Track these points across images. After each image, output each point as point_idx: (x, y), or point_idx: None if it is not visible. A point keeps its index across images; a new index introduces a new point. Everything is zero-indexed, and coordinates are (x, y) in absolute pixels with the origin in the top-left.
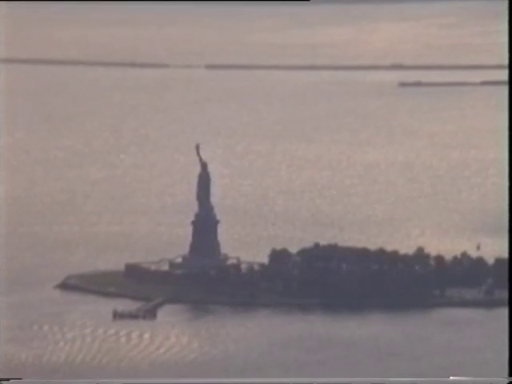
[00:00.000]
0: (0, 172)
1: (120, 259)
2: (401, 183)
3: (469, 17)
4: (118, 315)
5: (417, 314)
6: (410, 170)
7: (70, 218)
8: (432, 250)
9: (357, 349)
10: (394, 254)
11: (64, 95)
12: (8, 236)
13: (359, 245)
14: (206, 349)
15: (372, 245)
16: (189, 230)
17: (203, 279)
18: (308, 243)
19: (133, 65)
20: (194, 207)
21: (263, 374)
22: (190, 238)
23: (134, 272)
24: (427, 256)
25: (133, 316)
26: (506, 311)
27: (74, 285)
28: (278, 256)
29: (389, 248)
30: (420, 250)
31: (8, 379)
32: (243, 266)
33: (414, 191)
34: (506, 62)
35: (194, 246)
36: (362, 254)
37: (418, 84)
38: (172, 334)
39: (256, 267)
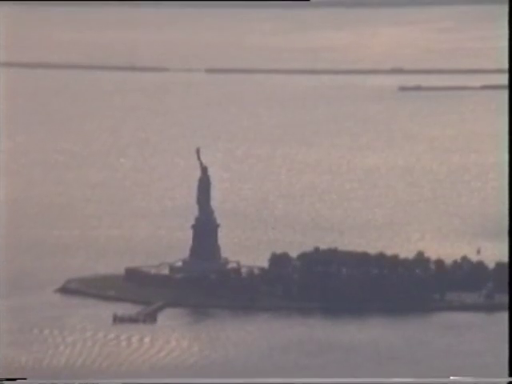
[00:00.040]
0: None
1: (120, 263)
2: (401, 187)
3: (468, 21)
4: (118, 319)
5: (417, 318)
6: (410, 175)
7: (70, 221)
8: (432, 254)
9: (357, 353)
10: (394, 258)
11: (63, 98)
12: (8, 239)
13: (359, 249)
14: (206, 352)
15: (372, 249)
16: (189, 234)
17: (203, 283)
18: (308, 247)
19: (132, 68)
20: (194, 211)
21: (263, 378)
22: (190, 242)
23: (134, 276)
24: (427, 260)
25: (133, 320)
26: (506, 315)
27: (74, 289)
28: (278, 260)
29: (389, 252)
30: (420, 254)
31: (15, 379)
32: (243, 270)
33: (414, 195)
34: (505, 66)
35: (194, 250)
36: (362, 259)
37: (417, 88)
38: (172, 337)
39: (256, 271)
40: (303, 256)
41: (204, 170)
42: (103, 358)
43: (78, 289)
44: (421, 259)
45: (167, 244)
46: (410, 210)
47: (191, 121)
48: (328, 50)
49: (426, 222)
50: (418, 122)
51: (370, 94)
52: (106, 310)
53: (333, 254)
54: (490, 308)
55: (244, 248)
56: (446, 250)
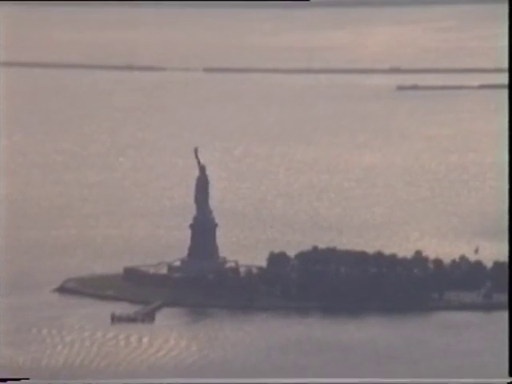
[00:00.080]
0: None
1: (118, 262)
2: (399, 186)
3: (468, 20)
4: (116, 318)
5: (415, 317)
6: (408, 174)
7: (68, 221)
8: (430, 253)
9: (355, 352)
10: (393, 258)
11: (62, 98)
12: (5, 239)
13: (358, 248)
14: (204, 352)
15: (370, 248)
16: (187, 234)
17: (202, 282)
18: (306, 246)
19: (130, 68)
20: (193, 210)
21: (262, 377)
22: (188, 242)
23: (133, 275)
24: (426, 259)
25: (131, 319)
26: (504, 314)
27: (72, 288)
28: (277, 259)
29: (387, 251)
30: (418, 253)
31: (18, 379)
32: (241, 270)
33: (412, 194)
34: (505, 65)
35: (192, 250)
36: (361, 258)
37: (415, 87)
38: (171, 337)
39: (254, 270)
40: (301, 255)
41: (202, 169)
42: (101, 358)
43: (76, 288)
44: (419, 258)
45: (165, 243)
46: (408, 209)
47: (189, 120)
48: (326, 49)
49: (425, 222)
50: (415, 121)
51: (368, 93)
52: (104, 309)
53: (331, 253)
54: (488, 307)
55: (242, 247)
56: (444, 249)
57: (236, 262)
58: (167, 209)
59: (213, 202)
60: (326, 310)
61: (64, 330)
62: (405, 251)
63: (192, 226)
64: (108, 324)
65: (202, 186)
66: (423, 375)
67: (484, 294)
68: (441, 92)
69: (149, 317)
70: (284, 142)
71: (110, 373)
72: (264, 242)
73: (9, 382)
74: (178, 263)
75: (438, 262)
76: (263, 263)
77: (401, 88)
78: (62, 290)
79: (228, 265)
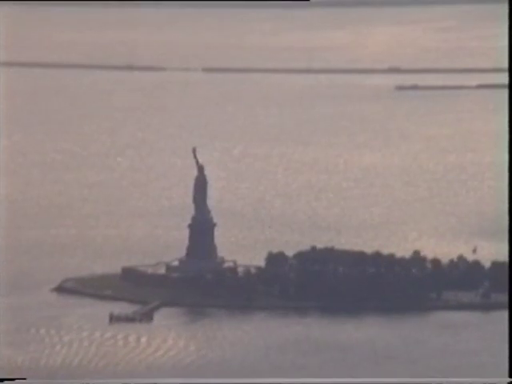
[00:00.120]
0: None
1: (117, 262)
2: (397, 186)
3: (468, 20)
4: (114, 318)
5: (413, 317)
6: (406, 174)
7: (67, 221)
8: (428, 253)
9: (353, 352)
10: (391, 258)
11: (61, 98)
12: (5, 239)
13: (356, 248)
14: (202, 352)
15: (369, 248)
16: (185, 233)
17: (200, 282)
18: (305, 246)
19: (130, 68)
20: (191, 210)
21: (260, 377)
22: (186, 241)
23: (131, 275)
24: (424, 259)
25: (129, 319)
26: (502, 314)
27: (70, 288)
28: (275, 259)
29: (385, 251)
30: (416, 253)
31: (14, 379)
32: (240, 270)
33: (410, 194)
34: (504, 65)
35: (190, 249)
36: (359, 257)
37: (414, 87)
38: (169, 337)
39: (253, 270)
40: (300, 255)
41: (201, 169)
42: (100, 358)
43: (74, 288)
44: (417, 258)
45: (164, 243)
46: (406, 209)
47: (188, 120)
48: (326, 49)
49: (423, 221)
50: (414, 121)
51: (367, 93)
52: (103, 309)
53: (329, 253)
54: (486, 307)
55: (241, 247)
56: (442, 249)
57: (234, 262)
58: (166, 209)
59: (211, 202)
60: (324, 310)
61: (62, 330)
62: (403, 251)
63: (190, 226)
64: (106, 324)
65: (201, 186)
66: (421, 375)
67: (482, 293)
68: (440, 92)
69: (147, 317)
70: (283, 142)
71: (109, 372)
72: (262, 242)
73: (5, 382)
74: (176, 263)
75: (436, 262)
76: (261, 263)
77: (400, 88)
78: (61, 289)
79: (226, 265)
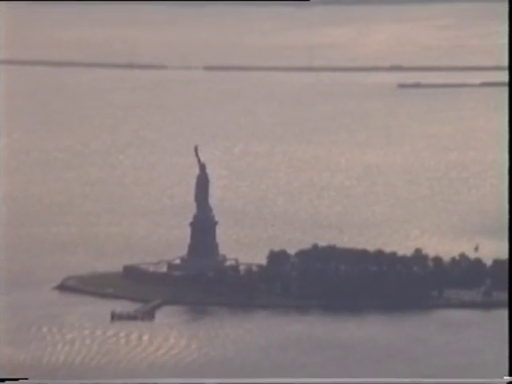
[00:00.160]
0: None
1: (118, 260)
2: (399, 185)
3: (468, 18)
4: (116, 316)
5: (415, 315)
6: (408, 172)
7: (69, 219)
8: (430, 251)
9: (355, 350)
10: (393, 256)
11: (63, 96)
12: (6, 237)
13: (358, 246)
14: (204, 350)
15: (371, 246)
16: (187, 232)
17: (201, 280)
18: (306, 244)
19: (131, 66)
20: (193, 209)
21: (262, 376)
22: (188, 240)
23: (133, 273)
24: (425, 257)
25: (131, 317)
26: (503, 312)
27: (72, 286)
28: (277, 257)
29: (387, 249)
30: (418, 251)
31: (16, 379)
32: (241, 268)
33: (412, 193)
34: (505, 63)
35: (192, 248)
36: (361, 256)
37: (416, 85)
38: (171, 335)
39: (254, 268)
40: (302, 253)
41: (202, 167)
42: (102, 356)
43: (76, 286)
44: (419, 256)
45: (166, 241)
46: (408, 208)
47: (190, 118)
48: (327, 47)
49: (425, 220)
50: (416, 119)
51: (369, 92)
52: (105, 307)
53: (331, 251)
54: (487, 305)
55: (242, 245)
56: (444, 247)
57: (236, 260)
58: (167, 207)
59: (213, 200)
60: (325, 308)
61: (64, 328)
62: (405, 249)
63: (192, 224)
64: (108, 322)
65: (203, 185)
66: (423, 373)
67: (484, 291)
68: (442, 90)
69: (149, 315)
70: (284, 140)
71: (111, 370)
72: (264, 240)
73: (7, 381)
74: (177, 261)
75: (437, 260)
76: (263, 261)
77: (402, 86)
78: (63, 287)
79: (228, 263)
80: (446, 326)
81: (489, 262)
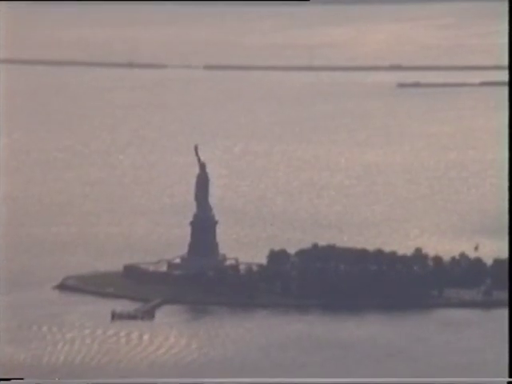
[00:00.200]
0: None
1: (119, 260)
2: (399, 184)
3: (468, 18)
4: (116, 316)
5: (415, 314)
6: (408, 171)
7: (69, 218)
8: (430, 250)
9: (355, 349)
10: (393, 255)
11: (63, 96)
12: (6, 237)
13: (358, 245)
14: (204, 350)
15: (370, 245)
16: (187, 231)
17: (201, 280)
18: (306, 244)
19: (131, 65)
20: (193, 208)
21: (262, 375)
22: (188, 239)
23: (133, 273)
24: (425, 257)
25: (131, 317)
26: (504, 312)
27: (72, 286)
28: (277, 257)
29: (387, 249)
30: (418, 250)
31: (9, 379)
32: (241, 267)
33: (412, 192)
34: (504, 62)
35: (192, 247)
36: (361, 255)
37: (416, 85)
38: (171, 334)
39: (254, 268)
40: (301, 253)
41: (202, 166)
42: (102, 355)
43: (76, 286)
44: (419, 256)
45: (166, 241)
46: (408, 207)
47: (190, 117)
48: (327, 47)
49: (424, 219)
50: (416, 119)
51: (369, 91)
52: (105, 306)
53: (331, 250)
54: (487, 305)
55: (242, 245)
56: (444, 246)
57: (236, 260)
58: (167, 206)
59: (213, 200)
60: (325, 308)
61: (65, 328)
62: (405, 249)
63: (192, 224)
64: (108, 321)
65: (202, 184)
66: (422, 372)
67: (484, 291)
68: (441, 89)
69: (149, 314)
70: (284, 140)
71: (111, 370)
72: (264, 240)
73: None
74: (177, 261)
75: (437, 260)
76: (263, 261)
77: (401, 85)
78: (63, 287)
79: (228, 262)
80: (446, 326)
81: (489, 262)
